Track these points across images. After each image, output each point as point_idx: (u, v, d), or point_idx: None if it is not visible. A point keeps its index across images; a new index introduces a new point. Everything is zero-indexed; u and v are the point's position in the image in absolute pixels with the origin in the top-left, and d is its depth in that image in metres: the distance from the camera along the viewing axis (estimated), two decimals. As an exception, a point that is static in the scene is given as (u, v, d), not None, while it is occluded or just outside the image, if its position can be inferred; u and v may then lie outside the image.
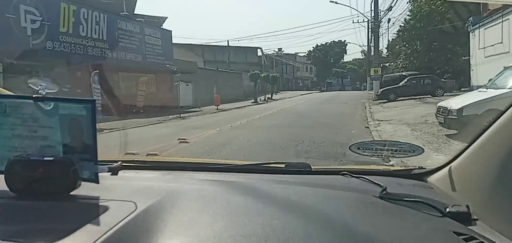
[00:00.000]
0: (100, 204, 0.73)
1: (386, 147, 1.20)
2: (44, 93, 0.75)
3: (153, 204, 0.74)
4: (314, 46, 57.33)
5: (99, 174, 0.76)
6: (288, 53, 52.05)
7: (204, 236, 0.63)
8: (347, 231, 0.69)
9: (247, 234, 0.64)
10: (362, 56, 62.03)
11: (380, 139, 5.48)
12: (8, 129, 0.77)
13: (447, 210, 0.77)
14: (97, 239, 0.56)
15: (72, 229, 0.59)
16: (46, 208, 0.71)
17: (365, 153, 1.19)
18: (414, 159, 1.29)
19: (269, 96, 25.07)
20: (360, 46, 74.69)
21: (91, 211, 0.69)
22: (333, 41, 56.99)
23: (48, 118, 0.75)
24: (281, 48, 50.27)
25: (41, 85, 0.76)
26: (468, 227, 0.73)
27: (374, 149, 1.20)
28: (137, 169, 1.09)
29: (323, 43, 56.28)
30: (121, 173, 0.84)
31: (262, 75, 26.00)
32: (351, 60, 62.27)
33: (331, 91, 52.80)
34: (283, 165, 1.09)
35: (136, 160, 1.16)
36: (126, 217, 0.66)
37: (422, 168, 1.08)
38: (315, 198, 0.87)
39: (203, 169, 1.11)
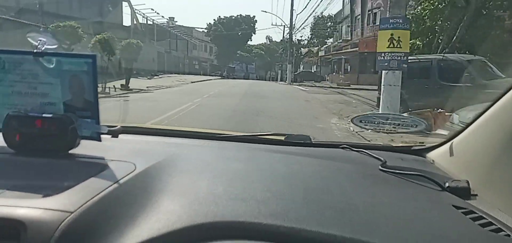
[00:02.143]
0: (99, 163, 0.83)
1: (388, 121, 1.33)
2: (43, 48, 0.85)
3: (152, 166, 0.85)
4: (216, 19, 53.97)
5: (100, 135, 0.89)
6: (183, 26, 51.25)
7: (203, 198, 0.72)
8: (346, 200, 0.79)
9: (246, 197, 0.73)
10: (268, 42, 66.06)
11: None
12: (7, 86, 0.85)
13: (447, 184, 0.89)
14: (95, 196, 0.65)
15: (69, 185, 0.67)
16: (44, 164, 0.82)
17: (367, 126, 1.32)
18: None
19: (123, 83, 15.38)
20: (277, 24, 78.49)
21: (90, 169, 0.78)
22: (240, 15, 54.28)
23: (48, 74, 0.86)
24: (173, 18, 48.40)
25: (40, 40, 0.85)
26: (467, 201, 0.83)
27: (376, 122, 1.34)
28: (137, 134, 1.21)
29: (227, 16, 53.68)
30: (121, 136, 0.96)
31: (122, 43, 17.77)
32: (258, 44, 62.52)
33: (234, 78, 55.06)
34: (283, 137, 1.28)
35: (136, 126, 1.29)
36: (125, 176, 0.75)
37: (422, 144, 1.24)
38: (314, 168, 1.00)
39: (203, 137, 1.27)
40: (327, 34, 37.70)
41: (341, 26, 35.15)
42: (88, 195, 0.65)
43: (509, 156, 0.85)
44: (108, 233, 0.61)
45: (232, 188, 0.79)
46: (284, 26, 39.90)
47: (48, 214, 0.59)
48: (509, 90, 0.88)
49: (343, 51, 30.14)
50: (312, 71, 40.27)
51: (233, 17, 54.20)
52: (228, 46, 51.01)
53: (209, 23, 54.37)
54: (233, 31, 51.96)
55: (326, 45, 38.03)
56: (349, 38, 30.59)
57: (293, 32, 33.39)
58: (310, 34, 38.29)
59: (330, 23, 38.43)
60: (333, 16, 39.49)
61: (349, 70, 29.09)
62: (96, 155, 0.89)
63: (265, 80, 55.65)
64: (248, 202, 0.71)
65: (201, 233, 0.63)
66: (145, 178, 0.79)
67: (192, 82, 24.48)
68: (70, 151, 0.88)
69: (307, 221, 0.66)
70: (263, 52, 63.77)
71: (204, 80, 30.43)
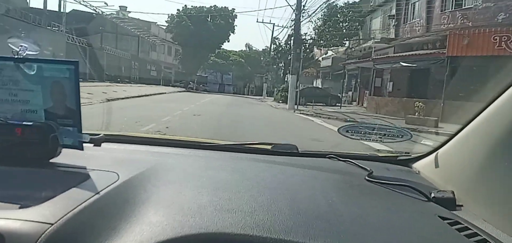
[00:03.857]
0: (80, 172, 0.90)
1: (374, 131, 1.54)
2: (24, 54, 0.92)
3: (136, 176, 0.92)
4: (181, 9, 44.14)
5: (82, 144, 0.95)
6: (139, 19, 43.31)
7: (188, 209, 0.78)
8: (333, 210, 0.87)
9: (232, 208, 0.80)
10: (247, 48, 59.03)
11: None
12: None
13: (432, 195, 1.00)
14: (75, 207, 0.69)
15: (50, 196, 0.73)
16: (24, 174, 0.89)
17: (353, 137, 1.54)
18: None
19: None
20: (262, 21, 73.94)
21: (71, 179, 0.83)
22: (214, 6, 46.04)
23: (29, 81, 0.93)
24: (126, 7, 40.91)
25: (21, 46, 0.92)
26: (453, 212, 0.94)
27: (363, 132, 1.54)
28: (120, 142, 1.31)
29: (197, 6, 46.44)
30: (103, 145, 1.04)
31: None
32: (235, 50, 55.88)
33: (205, 90, 46.35)
34: (269, 146, 1.44)
35: (119, 134, 1.40)
36: (108, 186, 0.81)
37: (408, 154, 1.46)
38: (301, 178, 1.13)
39: (188, 147, 1.40)
40: (344, 30, 27.69)
41: (371, 19, 26.53)
42: (69, 206, 0.69)
43: (493, 167, 0.94)
44: None
45: (218, 199, 0.84)
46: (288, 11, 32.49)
47: (27, 225, 0.63)
48: (493, 101, 0.98)
49: (386, 57, 20.79)
50: (319, 86, 32.53)
51: (205, 8, 45.62)
52: (197, 48, 42.51)
53: (171, 14, 45.41)
54: (204, 27, 43.37)
55: (340, 48, 29.56)
56: (393, 36, 21.57)
57: (301, 20, 23.12)
58: (316, 33, 30.96)
59: (349, 16, 28.04)
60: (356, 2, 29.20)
61: (391, 88, 21.05)
62: (78, 164, 0.95)
63: (244, 94, 49.85)
64: (234, 213, 0.77)
65: None
66: (128, 188, 0.85)
67: (107, 101, 14.43)
68: (51, 160, 0.94)
69: (294, 232, 0.72)
70: (242, 60, 56.54)
71: (148, 95, 22.91)
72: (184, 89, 42.56)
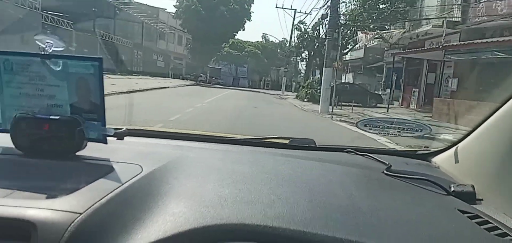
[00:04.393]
0: (106, 164, 0.94)
1: (393, 125, 1.55)
2: (50, 50, 0.95)
3: (158, 168, 0.95)
4: None
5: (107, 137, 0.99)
6: (145, 4, 38.90)
7: (209, 201, 0.80)
8: (352, 203, 0.88)
9: (251, 200, 0.82)
10: (263, 39, 53.64)
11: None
12: (15, 87, 0.96)
13: (452, 189, 1.00)
14: (102, 198, 0.72)
15: (77, 187, 0.76)
16: (52, 166, 0.93)
17: (371, 130, 1.57)
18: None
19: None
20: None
21: (97, 171, 0.87)
22: None
23: (55, 76, 0.96)
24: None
25: (47, 42, 0.95)
26: (473, 206, 0.94)
27: (381, 126, 1.56)
28: (143, 136, 1.35)
29: None
30: (126, 138, 1.08)
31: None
32: (252, 41, 51.99)
33: (218, 84, 42.81)
34: (287, 141, 1.46)
35: (142, 129, 1.44)
36: (132, 178, 0.85)
37: (427, 148, 1.45)
38: (320, 172, 1.13)
39: (209, 141, 1.42)
40: (387, 12, 21.65)
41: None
42: (96, 197, 0.73)
43: None
44: (116, 235, 0.68)
45: (238, 191, 0.87)
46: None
47: (57, 215, 0.66)
48: None
49: (468, 43, 14.17)
50: (352, 82, 27.03)
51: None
52: (209, 37, 37.87)
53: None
54: (216, 13, 38.64)
55: (394, 32, 21.66)
56: (459, 20, 16.34)
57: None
58: (350, 17, 24.95)
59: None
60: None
61: (455, 85, 16.08)
62: (103, 157, 0.99)
63: (259, 88, 46.46)
64: (254, 205, 0.79)
65: (207, 236, 0.70)
66: (151, 180, 0.88)
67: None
68: (77, 153, 0.98)
69: (313, 224, 0.73)
70: (259, 51, 51.69)
71: (145, 89, 18.65)
72: (193, 83, 37.87)
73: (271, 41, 56.44)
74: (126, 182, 0.82)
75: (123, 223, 0.70)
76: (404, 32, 19.38)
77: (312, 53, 30.80)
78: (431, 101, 18.02)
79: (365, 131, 1.58)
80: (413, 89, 20.53)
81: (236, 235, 0.71)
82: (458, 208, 0.90)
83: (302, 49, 32.47)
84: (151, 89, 19.52)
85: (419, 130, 1.53)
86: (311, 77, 30.41)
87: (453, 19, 16.91)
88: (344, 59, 27.92)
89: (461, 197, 0.98)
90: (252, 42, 52.85)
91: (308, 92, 22.99)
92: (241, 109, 13.86)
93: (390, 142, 6.16)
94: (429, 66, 20.08)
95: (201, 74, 44.59)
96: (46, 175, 0.90)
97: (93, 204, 0.70)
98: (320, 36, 28.22)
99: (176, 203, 0.79)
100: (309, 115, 15.06)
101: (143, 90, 17.00)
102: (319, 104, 19.74)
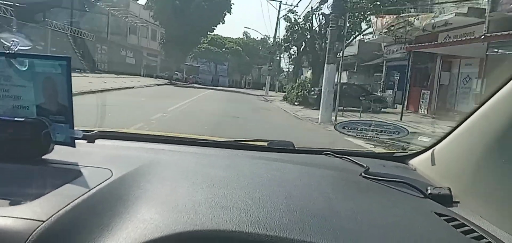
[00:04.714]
0: (73, 169, 0.91)
1: (371, 127, 1.55)
2: (16, 49, 0.91)
3: (130, 172, 0.93)
4: None
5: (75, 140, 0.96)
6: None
7: (182, 206, 0.78)
8: (329, 207, 0.88)
9: (227, 205, 0.80)
10: (244, 37, 51.28)
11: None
12: None
13: (429, 191, 1.01)
14: (67, 205, 0.69)
15: (42, 193, 0.73)
16: (15, 171, 0.89)
17: (350, 133, 1.57)
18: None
19: None
20: None
21: (63, 176, 0.84)
22: None
23: (21, 76, 0.93)
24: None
25: (13, 41, 0.91)
26: (449, 208, 0.95)
27: (359, 128, 1.55)
28: (115, 139, 1.30)
29: None
30: (97, 141, 1.05)
31: None
32: (233, 37, 49.43)
33: (196, 83, 39.42)
34: (265, 143, 1.44)
35: (114, 131, 1.38)
36: (101, 183, 0.82)
37: (404, 150, 1.49)
38: (297, 175, 1.12)
39: (184, 143, 1.40)
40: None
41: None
42: (61, 203, 0.70)
43: (490, 163, 0.95)
44: None
45: (213, 196, 0.85)
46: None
47: (18, 223, 0.63)
48: (489, 98, 0.99)
49: None
50: (354, 83, 21.87)
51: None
52: (185, 30, 34.01)
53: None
54: (193, 4, 34.60)
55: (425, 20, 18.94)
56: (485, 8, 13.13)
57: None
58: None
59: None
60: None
61: (479, 87, 12.95)
62: (71, 161, 0.96)
63: (240, 88, 44.24)
64: (229, 210, 0.78)
65: (180, 242, 0.68)
66: (121, 185, 0.85)
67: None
68: (43, 157, 0.95)
69: (290, 229, 0.72)
70: (240, 48, 48.38)
71: (105, 90, 15.75)
72: (167, 82, 33.80)
73: (253, 37, 54.63)
74: (94, 187, 0.80)
75: (90, 230, 0.68)
76: (434, 17, 15.73)
77: (301, 48, 27.22)
78: (446, 105, 14.78)
79: (343, 133, 1.61)
80: (423, 91, 17.52)
81: (210, 242, 0.70)
82: (434, 210, 0.91)
83: (292, 43, 28.23)
84: (107, 90, 15.60)
85: (397, 133, 1.56)
86: (293, 78, 26.98)
87: (478, 7, 13.81)
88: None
89: (437, 199, 0.99)
90: (233, 38, 50.74)
91: (299, 94, 19.59)
92: (218, 120, 10.45)
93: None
94: (442, 64, 16.91)
95: (177, 72, 41.03)
96: (9, 180, 0.86)
97: (58, 211, 0.67)
98: (313, 28, 24.65)
99: (147, 209, 0.77)
100: (308, 126, 11.75)
101: (93, 92, 13.07)
102: (313, 109, 16.20)
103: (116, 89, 17.12)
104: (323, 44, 23.15)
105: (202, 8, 34.74)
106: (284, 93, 23.79)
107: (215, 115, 10.93)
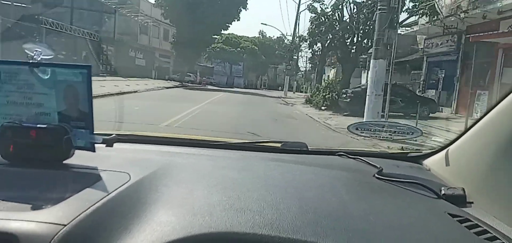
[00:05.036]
0: (93, 173, 0.94)
1: (384, 128, 1.53)
2: (39, 58, 0.95)
3: (147, 176, 0.95)
4: None
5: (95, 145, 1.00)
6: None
7: (198, 208, 0.80)
8: (343, 208, 0.88)
9: (241, 208, 0.81)
10: (260, 35, 48.82)
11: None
12: (2, 96, 0.97)
13: (443, 192, 1.01)
14: (88, 208, 0.72)
15: (63, 197, 0.76)
16: (38, 175, 0.93)
17: (363, 134, 1.59)
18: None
19: None
20: None
21: (84, 180, 0.87)
22: None
23: (43, 84, 0.97)
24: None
25: (36, 51, 0.95)
26: (463, 209, 0.94)
27: (372, 129, 1.53)
28: (132, 142, 1.34)
29: None
30: (115, 145, 1.06)
31: None
32: (248, 36, 47.01)
33: (211, 84, 37.60)
34: (279, 144, 1.45)
35: (131, 134, 1.43)
36: (120, 187, 0.84)
37: (418, 151, 1.47)
38: (311, 176, 1.13)
39: (199, 146, 1.42)
40: None
41: None
42: (82, 207, 0.72)
43: (504, 164, 0.95)
44: None
45: (227, 198, 0.86)
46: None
47: (41, 227, 0.65)
48: (504, 98, 0.99)
49: None
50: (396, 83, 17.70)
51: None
52: (197, 28, 31.76)
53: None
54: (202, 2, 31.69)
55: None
56: None
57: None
58: None
59: None
60: None
61: None
62: (91, 165, 0.99)
63: (256, 88, 42.38)
64: (243, 212, 0.79)
65: None
66: (139, 188, 0.88)
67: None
68: (64, 162, 0.98)
69: (303, 231, 0.73)
70: (256, 47, 45.74)
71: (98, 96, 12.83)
72: (179, 84, 31.39)
73: (269, 36, 52.51)
74: (113, 191, 0.82)
75: (110, 233, 0.70)
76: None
77: (327, 44, 23.62)
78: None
79: (357, 134, 1.62)
80: (478, 91, 14.30)
81: None
82: (448, 211, 0.91)
83: (318, 37, 23.21)
84: (99, 96, 13.05)
85: (411, 133, 1.54)
86: (316, 77, 23.91)
87: None
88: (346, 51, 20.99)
89: (451, 200, 0.99)
90: (248, 37, 48.22)
91: (327, 96, 16.70)
92: (232, 133, 7.67)
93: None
94: (505, 58, 13.79)
95: (190, 73, 38.86)
96: (32, 185, 0.90)
97: (78, 215, 0.69)
98: (344, 18, 21.21)
99: (164, 212, 0.79)
100: (354, 144, 8.67)
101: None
102: (344, 116, 13.30)
103: (114, 94, 14.61)
104: (357, 36, 20.47)
105: (215, 3, 32.24)
106: (303, 94, 20.98)
107: (227, 132, 8.27)
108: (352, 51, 21.01)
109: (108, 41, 30.75)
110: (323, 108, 16.95)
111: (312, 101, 19.12)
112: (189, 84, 34.53)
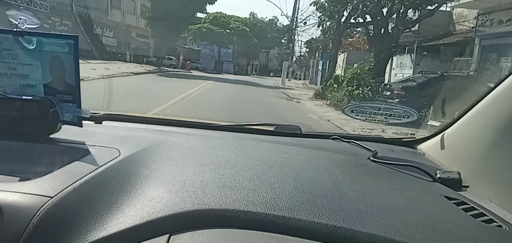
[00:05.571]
0: (81, 148, 0.91)
1: (380, 111, 1.51)
2: (24, 27, 0.91)
3: (137, 152, 0.93)
4: None
5: (82, 120, 0.97)
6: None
7: (190, 185, 0.78)
8: (338, 189, 0.87)
9: (235, 186, 0.80)
10: (251, 17, 44.85)
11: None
12: None
13: (438, 175, 1.01)
14: (75, 181, 0.70)
15: (50, 170, 0.74)
16: (24, 148, 0.90)
17: (358, 117, 1.55)
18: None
19: None
20: None
21: (71, 154, 0.84)
22: None
23: (28, 55, 0.92)
24: None
25: (21, 19, 0.90)
26: (459, 192, 0.94)
27: (368, 112, 1.50)
28: (122, 121, 1.29)
29: None
30: (105, 122, 1.06)
31: None
32: (239, 16, 41.88)
33: (194, 73, 31.24)
34: (273, 127, 1.44)
35: (120, 114, 1.36)
36: (109, 162, 0.82)
37: (413, 135, 1.46)
38: (305, 157, 1.12)
39: (191, 126, 1.38)
40: None
41: None
42: (69, 180, 0.70)
43: (499, 148, 0.95)
44: (89, 219, 0.65)
45: (221, 176, 0.85)
46: None
47: (26, 198, 0.63)
48: (500, 83, 0.99)
49: None
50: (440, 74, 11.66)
51: None
52: (174, 3, 26.56)
53: None
54: None
55: None
56: None
57: None
58: None
59: None
60: None
61: None
62: (79, 140, 0.96)
63: (247, 75, 39.34)
64: (237, 190, 0.78)
65: (187, 221, 0.67)
66: (129, 164, 0.85)
67: None
68: (51, 136, 0.95)
69: (298, 210, 0.72)
70: (247, 29, 42.51)
71: None
72: (155, 69, 25.97)
73: (261, 18, 49.00)
74: (102, 165, 0.80)
75: (98, 207, 0.68)
76: None
77: (344, 19, 16.74)
78: None
79: (352, 117, 1.58)
80: None
81: (218, 221, 0.69)
82: (444, 194, 0.91)
83: (338, 8, 15.68)
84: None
85: (406, 117, 1.51)
86: (328, 64, 18.33)
87: None
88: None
89: (447, 183, 0.98)
90: (239, 17, 43.46)
91: (355, 93, 11.64)
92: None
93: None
94: None
95: (171, 56, 33.03)
96: (17, 158, 0.88)
97: (66, 187, 0.68)
98: None
99: (155, 188, 0.77)
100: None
101: None
102: (386, 124, 7.41)
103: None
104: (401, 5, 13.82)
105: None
106: (300, 82, 15.53)
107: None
108: (389, 29, 14.80)
109: (63, 14, 24.81)
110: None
111: (326, 96, 14.14)
112: (168, 70, 29.10)
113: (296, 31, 27.02)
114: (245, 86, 20.07)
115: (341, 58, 22.49)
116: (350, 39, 26.33)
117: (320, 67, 29.23)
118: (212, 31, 38.05)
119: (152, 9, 29.07)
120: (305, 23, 25.83)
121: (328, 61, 25.27)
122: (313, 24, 21.97)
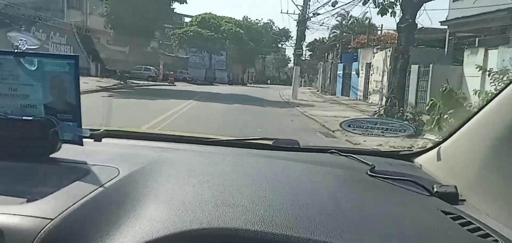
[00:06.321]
0: (81, 167, 0.92)
1: (377, 126, 1.50)
2: (24, 48, 0.92)
3: (136, 170, 0.93)
4: None
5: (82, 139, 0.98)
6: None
7: (189, 204, 0.78)
8: (335, 204, 0.87)
9: (233, 203, 0.80)
10: (244, 20, 39.72)
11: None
12: None
13: (435, 189, 0.99)
14: (75, 203, 0.70)
15: (50, 191, 0.74)
16: (24, 169, 0.91)
17: (355, 131, 1.52)
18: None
19: None
20: None
21: (71, 174, 0.85)
22: None
23: (29, 75, 0.93)
24: None
25: (21, 40, 0.91)
26: (455, 207, 0.93)
27: (365, 126, 1.50)
28: (121, 138, 1.29)
29: None
30: (104, 140, 1.03)
31: None
32: (233, 17, 37.82)
33: (176, 88, 24.42)
34: (271, 142, 1.42)
35: (120, 130, 1.38)
36: (108, 181, 0.83)
37: (411, 149, 1.51)
38: (303, 173, 1.12)
39: (189, 142, 1.38)
40: None
41: None
42: (69, 201, 0.70)
43: (496, 162, 0.95)
44: (90, 241, 0.65)
45: (219, 194, 0.85)
46: None
47: (27, 221, 0.64)
48: (496, 96, 0.99)
49: None
50: None
51: None
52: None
53: None
54: None
55: None
56: None
57: None
58: None
59: None
60: None
61: None
62: (78, 159, 0.96)
63: (244, 85, 34.27)
64: (235, 208, 0.78)
65: (187, 240, 0.68)
66: (129, 183, 0.86)
67: None
68: (51, 155, 0.95)
69: (296, 227, 0.72)
70: (241, 31, 36.78)
71: None
72: (116, 84, 19.33)
73: (256, 20, 43.55)
74: (101, 185, 0.81)
75: (98, 228, 0.68)
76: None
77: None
78: None
79: (348, 131, 1.57)
80: None
81: (217, 239, 0.70)
82: (440, 209, 0.91)
83: None
84: None
85: (403, 131, 1.52)
86: (393, 69, 11.26)
87: None
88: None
89: (443, 198, 0.98)
90: (231, 18, 38.24)
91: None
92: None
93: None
94: None
95: (148, 67, 26.52)
96: (17, 179, 0.88)
97: (66, 209, 0.68)
98: None
99: (154, 207, 0.77)
100: None
101: None
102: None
103: None
104: None
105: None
106: (308, 89, 10.26)
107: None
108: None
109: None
110: None
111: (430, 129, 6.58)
112: (140, 84, 22.67)
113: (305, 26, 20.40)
114: (243, 107, 13.35)
115: (380, 56, 15.93)
116: (378, 33, 20.15)
117: (340, 72, 22.71)
118: (201, 34, 32.94)
119: (111, 6, 22.50)
120: (316, 14, 19.22)
121: (352, 63, 19.37)
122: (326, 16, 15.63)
